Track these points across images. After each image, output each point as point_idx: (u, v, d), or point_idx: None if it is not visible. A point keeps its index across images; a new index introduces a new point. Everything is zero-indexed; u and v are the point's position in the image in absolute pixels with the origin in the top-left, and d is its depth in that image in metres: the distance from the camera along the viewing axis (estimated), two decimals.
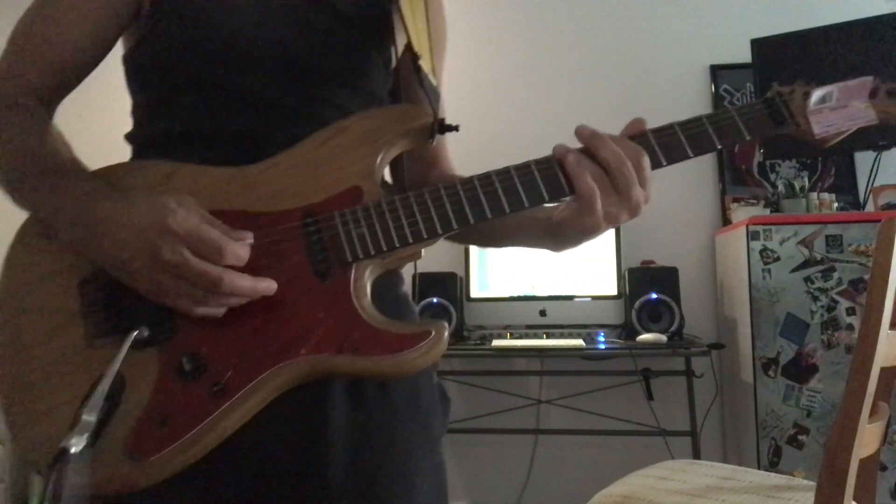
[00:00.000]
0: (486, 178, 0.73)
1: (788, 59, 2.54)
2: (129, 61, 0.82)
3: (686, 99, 2.88)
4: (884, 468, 2.06)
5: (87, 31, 0.78)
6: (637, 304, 2.51)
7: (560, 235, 0.77)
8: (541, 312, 2.70)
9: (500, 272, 2.73)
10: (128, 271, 0.66)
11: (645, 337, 2.44)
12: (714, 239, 2.79)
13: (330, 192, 0.73)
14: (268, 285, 0.68)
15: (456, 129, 0.80)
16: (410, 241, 0.72)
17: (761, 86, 2.54)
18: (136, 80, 0.83)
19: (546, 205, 0.75)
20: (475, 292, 2.72)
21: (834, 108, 0.75)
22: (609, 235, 2.61)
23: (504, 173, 0.74)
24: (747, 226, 2.25)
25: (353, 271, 0.71)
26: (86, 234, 0.67)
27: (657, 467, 1.54)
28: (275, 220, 0.72)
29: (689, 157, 0.75)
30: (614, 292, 2.65)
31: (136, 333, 0.66)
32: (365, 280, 0.72)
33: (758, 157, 2.81)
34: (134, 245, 0.64)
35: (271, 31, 0.78)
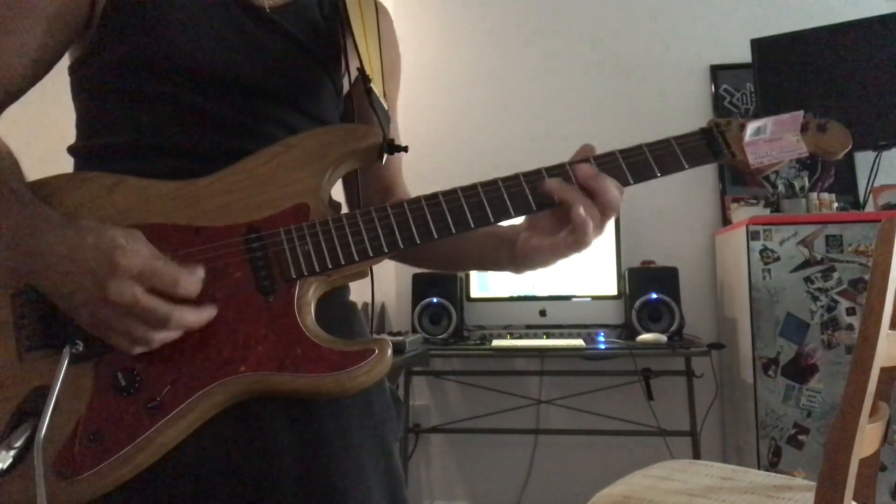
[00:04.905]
0: (433, 198, 0.74)
1: (788, 59, 2.54)
2: (77, 72, 0.81)
3: (686, 99, 2.86)
4: (884, 468, 2.07)
5: (35, 41, 0.74)
6: (637, 304, 2.51)
7: (527, 257, 0.78)
8: (541, 312, 2.69)
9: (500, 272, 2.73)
10: (70, 304, 0.64)
11: (645, 337, 2.44)
12: (714, 239, 2.79)
13: (276, 209, 0.73)
14: (210, 313, 0.67)
15: (405, 149, 0.80)
16: (356, 258, 0.72)
17: (761, 85, 2.54)
18: (82, 91, 0.81)
19: (502, 224, 0.76)
20: (475, 292, 2.72)
21: (768, 140, 0.78)
22: (609, 235, 2.60)
23: (451, 193, 0.74)
24: (747, 226, 2.25)
25: (296, 288, 0.70)
26: (26, 261, 0.65)
27: (657, 467, 1.54)
28: (218, 234, 0.71)
29: (630, 184, 0.77)
30: (614, 292, 2.65)
31: (70, 348, 0.64)
32: (309, 297, 0.71)
33: None
34: (79, 280, 0.62)
35: (223, 50, 0.78)
